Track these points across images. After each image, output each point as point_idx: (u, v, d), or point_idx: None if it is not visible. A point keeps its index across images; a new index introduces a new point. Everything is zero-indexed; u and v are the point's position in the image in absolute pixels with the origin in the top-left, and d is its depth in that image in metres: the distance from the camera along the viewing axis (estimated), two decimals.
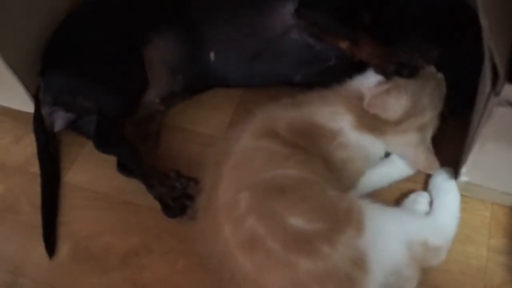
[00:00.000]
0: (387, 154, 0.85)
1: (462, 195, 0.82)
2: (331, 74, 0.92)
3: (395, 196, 0.86)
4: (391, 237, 0.67)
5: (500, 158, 0.73)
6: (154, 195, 0.88)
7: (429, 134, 0.81)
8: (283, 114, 0.78)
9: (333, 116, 0.77)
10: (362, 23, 0.94)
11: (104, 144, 0.92)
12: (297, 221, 0.63)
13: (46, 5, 1.01)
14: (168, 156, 0.97)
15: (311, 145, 0.74)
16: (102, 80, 0.94)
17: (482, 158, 0.74)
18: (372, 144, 0.78)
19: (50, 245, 0.87)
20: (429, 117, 0.79)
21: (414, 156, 0.80)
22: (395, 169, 0.84)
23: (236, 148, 0.74)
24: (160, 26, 0.99)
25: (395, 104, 0.77)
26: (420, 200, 0.80)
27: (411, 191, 0.85)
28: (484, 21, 0.56)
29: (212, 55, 1.00)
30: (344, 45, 0.92)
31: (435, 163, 0.80)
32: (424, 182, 0.86)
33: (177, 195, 0.86)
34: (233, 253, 0.65)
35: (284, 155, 0.70)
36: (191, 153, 0.97)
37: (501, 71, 0.60)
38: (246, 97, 1.06)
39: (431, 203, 0.79)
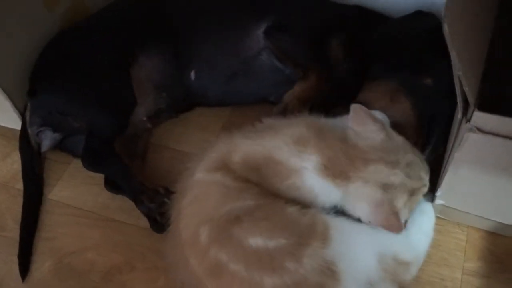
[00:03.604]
0: None
1: (438, 218, 0.84)
2: None
3: None
4: (362, 248, 0.69)
5: (473, 183, 0.75)
6: (142, 211, 0.89)
7: (399, 204, 0.70)
8: (241, 145, 0.75)
9: (299, 154, 0.71)
10: (330, 51, 0.97)
11: (93, 162, 0.93)
12: (257, 241, 0.65)
13: (37, 24, 1.03)
14: (154, 174, 0.98)
15: (262, 182, 0.72)
16: (91, 100, 0.95)
17: (456, 182, 0.75)
18: (326, 195, 0.71)
19: (24, 266, 0.87)
20: (400, 180, 0.70)
21: (373, 214, 0.69)
22: None
23: (191, 182, 0.75)
24: (147, 46, 1.01)
25: (373, 130, 0.72)
26: None
27: None
28: (452, 52, 0.58)
29: (192, 74, 1.03)
30: (300, 73, 0.97)
31: (398, 225, 0.69)
32: None
33: (166, 210, 0.87)
34: (203, 282, 0.66)
35: (238, 189, 0.70)
36: (177, 172, 0.96)
37: (471, 99, 0.63)
38: (233, 117, 1.08)
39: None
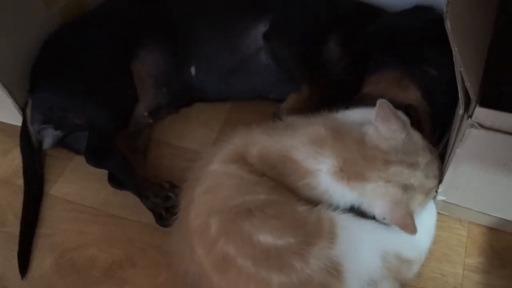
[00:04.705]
0: None
1: (440, 214, 0.84)
2: None
3: None
4: (366, 247, 0.69)
5: (474, 178, 0.75)
6: (147, 206, 0.90)
7: (414, 205, 0.71)
8: (259, 140, 0.75)
9: (315, 155, 0.71)
10: (329, 50, 0.97)
11: (96, 158, 0.93)
12: (266, 238, 0.65)
13: (36, 20, 1.02)
14: (155, 170, 0.98)
15: (279, 178, 0.72)
16: (92, 97, 0.95)
17: (457, 178, 0.75)
18: (340, 196, 0.71)
19: (24, 262, 0.87)
20: (419, 181, 0.71)
21: (390, 211, 0.69)
22: None
23: (206, 172, 0.75)
24: (147, 41, 1.01)
25: (396, 129, 0.71)
26: None
27: None
28: (454, 48, 0.58)
29: (193, 70, 1.03)
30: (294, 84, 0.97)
31: (412, 226, 0.69)
32: None
33: (171, 205, 0.87)
34: (208, 274, 0.67)
35: (252, 182, 0.71)
36: (177, 168, 0.98)
37: (472, 95, 0.63)
38: (234, 114, 1.08)
39: None
